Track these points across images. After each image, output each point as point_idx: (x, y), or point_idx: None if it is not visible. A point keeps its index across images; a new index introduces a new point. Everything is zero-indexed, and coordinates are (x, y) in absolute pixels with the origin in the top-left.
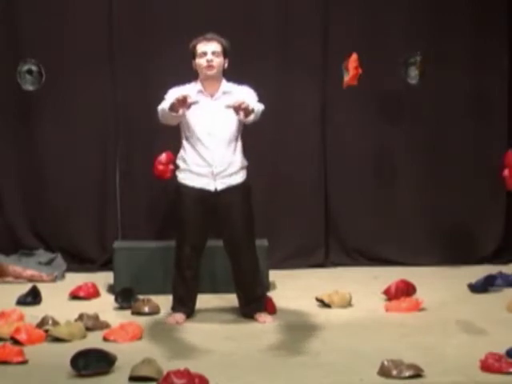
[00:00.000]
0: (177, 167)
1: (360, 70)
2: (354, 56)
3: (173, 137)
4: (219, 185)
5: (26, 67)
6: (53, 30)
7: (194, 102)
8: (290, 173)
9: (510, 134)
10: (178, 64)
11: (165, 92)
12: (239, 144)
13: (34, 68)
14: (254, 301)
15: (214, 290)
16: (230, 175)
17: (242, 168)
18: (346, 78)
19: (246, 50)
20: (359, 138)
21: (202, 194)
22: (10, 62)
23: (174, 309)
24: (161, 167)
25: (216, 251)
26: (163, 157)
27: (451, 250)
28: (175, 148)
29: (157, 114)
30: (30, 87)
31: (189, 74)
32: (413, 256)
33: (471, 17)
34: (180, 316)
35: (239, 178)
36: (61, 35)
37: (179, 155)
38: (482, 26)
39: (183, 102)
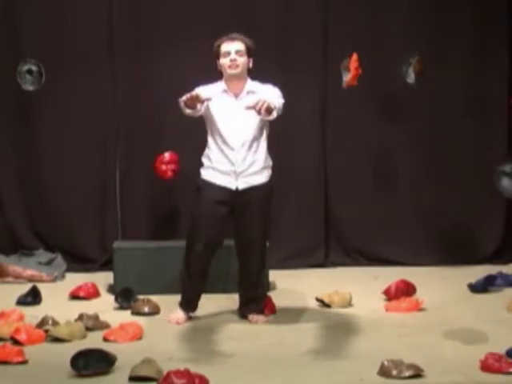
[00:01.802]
0: (201, 164)
1: (360, 70)
2: (355, 56)
3: (173, 137)
4: (241, 184)
5: (26, 67)
6: (53, 30)
7: (207, 99)
8: (290, 173)
9: (510, 134)
10: (178, 64)
11: (164, 92)
12: (263, 143)
13: (33, 68)
14: (252, 301)
15: (214, 290)
16: (252, 175)
17: (264, 167)
18: (347, 78)
19: None
20: (359, 138)
21: (224, 192)
22: (10, 62)
23: (181, 305)
24: (163, 167)
25: (219, 251)
26: (166, 156)
27: (451, 249)
28: (175, 148)
29: (159, 112)
30: (30, 87)
31: (189, 73)
32: (413, 256)
33: (471, 17)
34: (181, 315)
35: (262, 178)
36: (61, 35)
37: (204, 153)
38: (481, 26)
39: (193, 101)
